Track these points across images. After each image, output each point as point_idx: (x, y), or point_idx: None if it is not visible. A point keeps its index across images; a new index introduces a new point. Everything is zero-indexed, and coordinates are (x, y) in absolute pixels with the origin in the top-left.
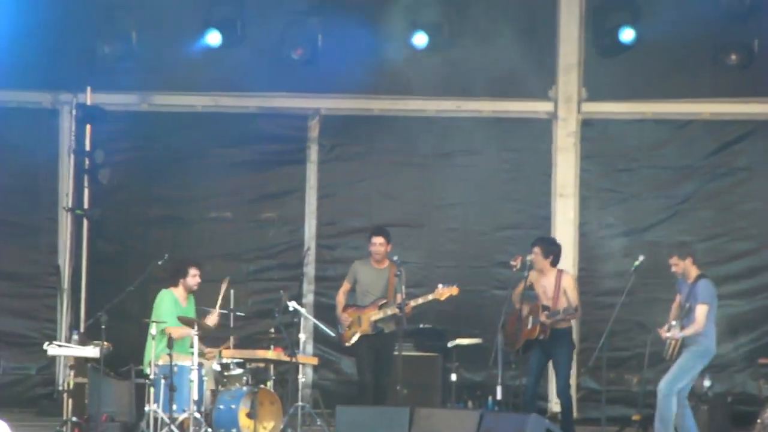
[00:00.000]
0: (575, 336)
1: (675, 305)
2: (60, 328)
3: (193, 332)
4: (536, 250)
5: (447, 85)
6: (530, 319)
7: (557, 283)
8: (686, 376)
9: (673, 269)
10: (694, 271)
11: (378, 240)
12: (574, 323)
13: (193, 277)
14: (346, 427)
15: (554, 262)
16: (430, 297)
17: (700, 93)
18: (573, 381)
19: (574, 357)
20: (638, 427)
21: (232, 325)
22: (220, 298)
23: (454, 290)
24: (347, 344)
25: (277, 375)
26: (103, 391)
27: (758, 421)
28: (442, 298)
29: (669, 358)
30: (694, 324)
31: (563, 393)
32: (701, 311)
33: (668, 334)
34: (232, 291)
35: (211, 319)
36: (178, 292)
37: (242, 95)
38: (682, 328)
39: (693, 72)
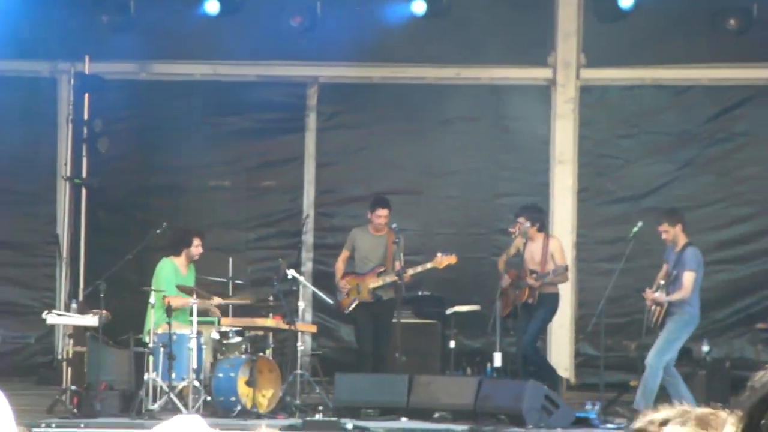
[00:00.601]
0: (573, 302)
1: (662, 273)
2: (59, 297)
3: (192, 301)
4: (521, 220)
5: (446, 52)
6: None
7: (544, 248)
8: (673, 347)
9: (663, 236)
10: (682, 239)
11: (383, 212)
12: (570, 290)
13: (196, 247)
14: (345, 394)
15: (540, 229)
16: (429, 265)
17: (698, 58)
18: (571, 347)
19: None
20: (636, 394)
21: (231, 293)
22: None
23: (452, 259)
24: (346, 311)
25: (276, 343)
26: (102, 359)
27: (748, 384)
28: (441, 267)
29: (654, 325)
30: (681, 290)
31: (527, 346)
32: (688, 278)
33: (655, 295)
34: (230, 259)
35: (214, 301)
36: (178, 260)
37: (241, 63)
38: (669, 293)
39: (692, 37)
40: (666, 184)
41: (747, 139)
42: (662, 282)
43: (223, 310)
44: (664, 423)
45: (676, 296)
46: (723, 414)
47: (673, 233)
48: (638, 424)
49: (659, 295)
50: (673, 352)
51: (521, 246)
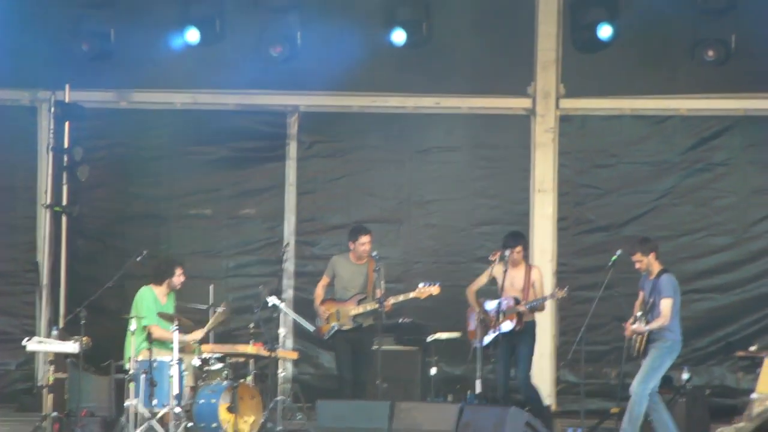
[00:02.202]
0: (553, 330)
1: (638, 302)
2: (39, 324)
3: (173, 329)
4: (519, 249)
5: (425, 81)
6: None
7: (527, 276)
8: (657, 375)
9: (637, 266)
10: (656, 267)
11: (366, 239)
12: (550, 318)
13: (179, 277)
14: (327, 420)
15: (525, 255)
16: (411, 295)
17: (677, 89)
18: (552, 375)
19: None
20: (617, 420)
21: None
22: (211, 321)
23: (435, 289)
24: (324, 337)
25: (257, 370)
26: (82, 386)
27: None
28: (423, 297)
29: (636, 354)
30: (660, 318)
31: (525, 385)
32: (666, 305)
33: (634, 327)
34: (211, 287)
35: (194, 336)
36: (158, 289)
37: (221, 92)
38: (647, 322)
39: (670, 68)
40: (645, 214)
41: (725, 169)
42: (639, 313)
43: (205, 337)
44: None
45: (655, 324)
46: None
47: (646, 262)
48: None
49: (638, 326)
50: (657, 379)
51: (498, 274)
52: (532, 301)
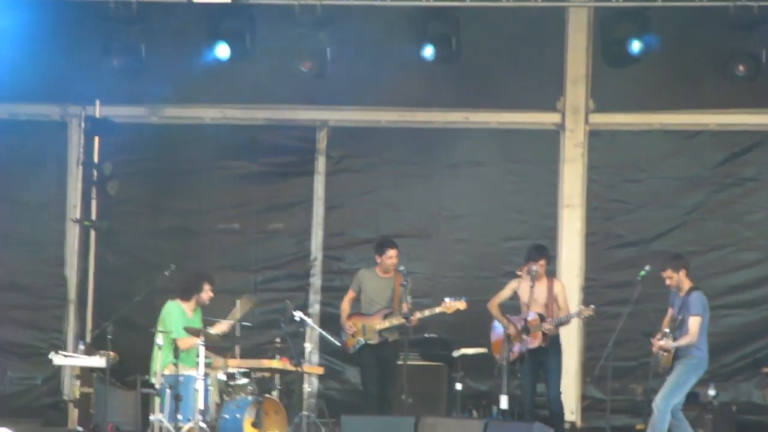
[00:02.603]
0: (580, 345)
1: (667, 318)
2: (66, 338)
3: (200, 342)
4: (542, 262)
5: (455, 96)
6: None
7: (549, 290)
8: (681, 391)
9: (668, 282)
10: (687, 284)
11: (393, 252)
12: (577, 333)
13: (207, 293)
14: None
15: (548, 270)
16: (437, 310)
17: (707, 104)
18: (577, 391)
19: (577, 366)
20: None
21: (238, 334)
22: (235, 311)
23: (461, 304)
24: (350, 352)
25: (283, 384)
26: (108, 400)
27: None
28: (449, 312)
29: (663, 370)
30: (687, 335)
31: (556, 401)
32: (694, 323)
33: (661, 342)
34: (238, 302)
35: (219, 327)
36: (186, 304)
37: (251, 107)
38: (675, 339)
39: (700, 83)
40: (674, 229)
41: (756, 184)
42: (667, 330)
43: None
44: None
45: (682, 342)
46: None
47: (677, 279)
48: None
49: (666, 342)
50: (681, 395)
51: (522, 289)
52: (558, 318)
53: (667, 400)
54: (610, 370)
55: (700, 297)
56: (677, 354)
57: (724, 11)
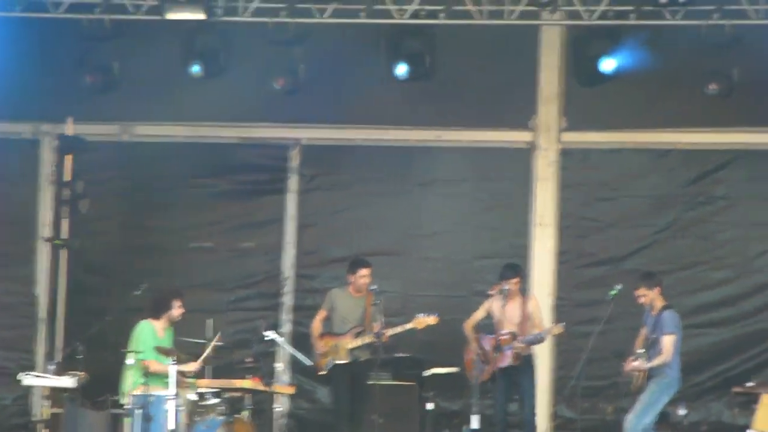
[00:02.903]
0: (551, 364)
1: (640, 338)
2: (36, 358)
3: (170, 366)
4: (515, 281)
5: (428, 115)
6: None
7: (523, 308)
8: (653, 411)
9: (641, 300)
10: (659, 302)
11: (366, 271)
12: (549, 351)
13: (177, 309)
14: None
15: (521, 288)
16: (408, 326)
17: (679, 122)
18: (548, 409)
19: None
20: None
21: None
22: (208, 350)
23: (432, 320)
24: (322, 372)
25: (254, 404)
26: (79, 421)
27: None
28: (420, 327)
29: (635, 390)
30: (662, 354)
31: (529, 423)
32: (668, 342)
33: (635, 364)
34: (211, 321)
35: (191, 366)
36: (157, 323)
37: (223, 125)
38: (649, 359)
39: (672, 102)
40: (646, 247)
41: (726, 203)
42: (641, 350)
43: (201, 371)
44: None
45: (656, 361)
46: None
47: (650, 297)
48: None
49: (639, 363)
50: (653, 415)
51: (496, 308)
52: (528, 337)
53: (639, 419)
54: (580, 389)
55: (673, 315)
56: (650, 373)
57: (696, 30)
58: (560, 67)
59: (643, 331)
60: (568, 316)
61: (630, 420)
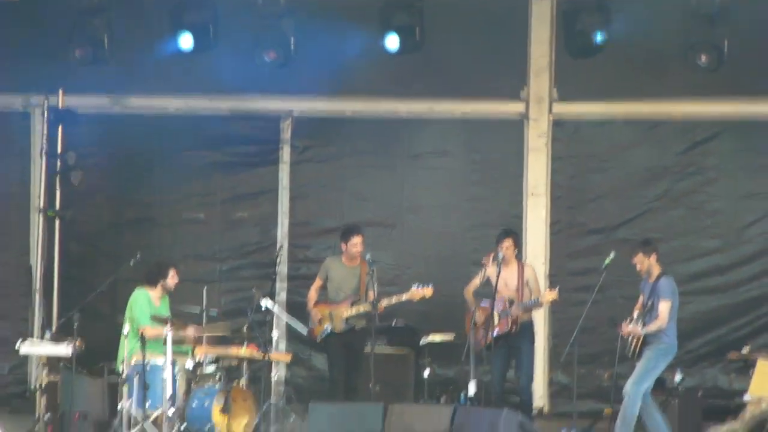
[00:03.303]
0: (547, 332)
1: (638, 305)
2: (33, 327)
3: (166, 331)
4: (508, 243)
5: (419, 86)
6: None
7: (520, 275)
8: (651, 377)
9: (638, 267)
10: (656, 269)
11: (358, 239)
12: (544, 319)
13: (172, 278)
14: (320, 423)
15: (518, 255)
16: (404, 297)
17: (670, 93)
18: (545, 376)
19: (544, 352)
20: (610, 421)
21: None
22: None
23: (428, 291)
24: (317, 340)
25: (251, 372)
26: (75, 389)
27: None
28: (416, 299)
29: (631, 355)
30: (657, 320)
31: (526, 389)
32: (664, 307)
33: (629, 328)
34: (204, 290)
35: (190, 331)
36: (153, 292)
37: (215, 97)
38: (645, 324)
39: (663, 72)
40: (637, 217)
41: (717, 173)
42: (636, 313)
43: (197, 340)
44: None
45: (652, 327)
46: None
47: (647, 264)
48: None
49: (634, 328)
50: (651, 380)
51: (491, 274)
52: (525, 303)
53: (638, 385)
54: (576, 356)
55: (670, 282)
56: (646, 340)
57: (686, 1)
58: (551, 39)
59: (641, 299)
60: (562, 284)
61: (629, 385)
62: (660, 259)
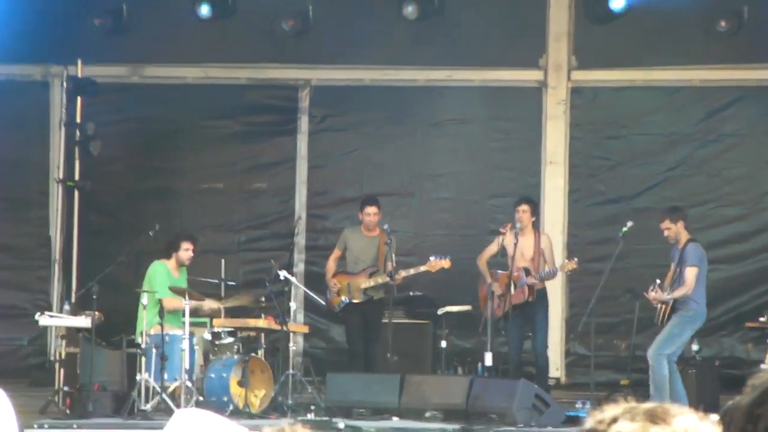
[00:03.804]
0: (564, 302)
1: (670, 272)
2: (52, 298)
3: (185, 303)
4: (525, 207)
5: (437, 54)
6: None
7: (536, 244)
8: (674, 342)
9: (666, 233)
10: (684, 236)
11: (372, 210)
12: (561, 289)
13: (186, 251)
14: (337, 394)
15: (535, 224)
16: (422, 268)
17: (689, 60)
18: (561, 347)
19: (561, 322)
20: (627, 392)
21: (223, 294)
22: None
23: (446, 263)
24: (335, 310)
25: (268, 344)
26: (94, 360)
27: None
28: (434, 270)
29: (660, 322)
30: (683, 286)
31: (542, 355)
32: (690, 273)
33: (653, 294)
34: (223, 261)
35: (209, 304)
36: (170, 263)
37: (233, 66)
38: (672, 291)
39: (682, 39)
40: (656, 185)
41: (737, 140)
42: (658, 281)
43: (215, 311)
44: (613, 421)
45: (678, 293)
46: (672, 408)
47: (674, 230)
48: (588, 424)
49: (659, 294)
50: (674, 346)
51: (508, 243)
52: (542, 272)
53: (659, 349)
54: (593, 326)
55: (697, 248)
56: (675, 306)
57: None
58: (569, 5)
59: (672, 266)
60: (579, 253)
61: (651, 349)
62: (689, 225)
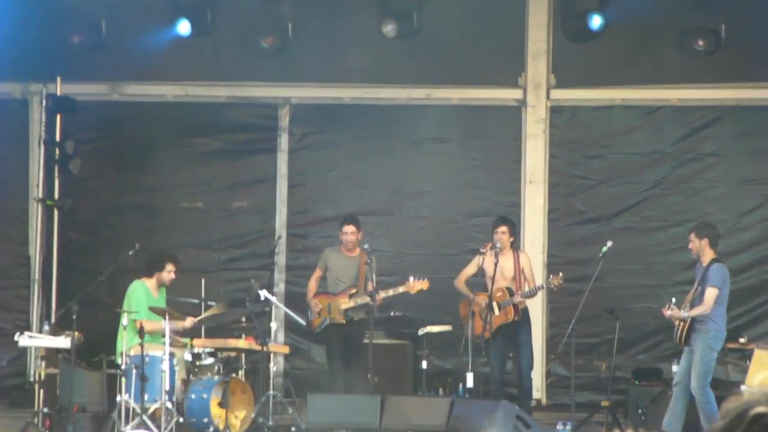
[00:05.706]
0: (544, 322)
1: (693, 289)
2: (31, 318)
3: (164, 326)
4: (503, 228)
5: (417, 73)
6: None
7: (516, 263)
8: (709, 369)
9: (690, 246)
10: (709, 254)
11: (349, 229)
12: (541, 309)
13: (168, 273)
14: (318, 415)
15: (513, 243)
16: (401, 289)
17: (667, 79)
18: (542, 367)
19: (542, 343)
20: (607, 413)
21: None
22: (207, 313)
23: (425, 284)
24: (316, 331)
25: (249, 364)
26: (74, 381)
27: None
28: (413, 292)
29: (679, 340)
30: (701, 306)
31: (527, 378)
32: (710, 294)
33: (668, 312)
34: (203, 280)
35: (187, 323)
36: (150, 283)
37: (212, 84)
38: (690, 309)
39: (661, 58)
40: (636, 204)
41: (716, 159)
42: (673, 300)
43: (196, 331)
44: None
45: (695, 312)
46: None
47: (698, 246)
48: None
49: (675, 311)
50: (711, 372)
51: (488, 264)
52: (527, 290)
53: (701, 382)
54: (573, 346)
55: (721, 269)
56: (693, 326)
57: None
58: (548, 24)
59: (695, 284)
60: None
61: (695, 384)
62: (655, 248)
